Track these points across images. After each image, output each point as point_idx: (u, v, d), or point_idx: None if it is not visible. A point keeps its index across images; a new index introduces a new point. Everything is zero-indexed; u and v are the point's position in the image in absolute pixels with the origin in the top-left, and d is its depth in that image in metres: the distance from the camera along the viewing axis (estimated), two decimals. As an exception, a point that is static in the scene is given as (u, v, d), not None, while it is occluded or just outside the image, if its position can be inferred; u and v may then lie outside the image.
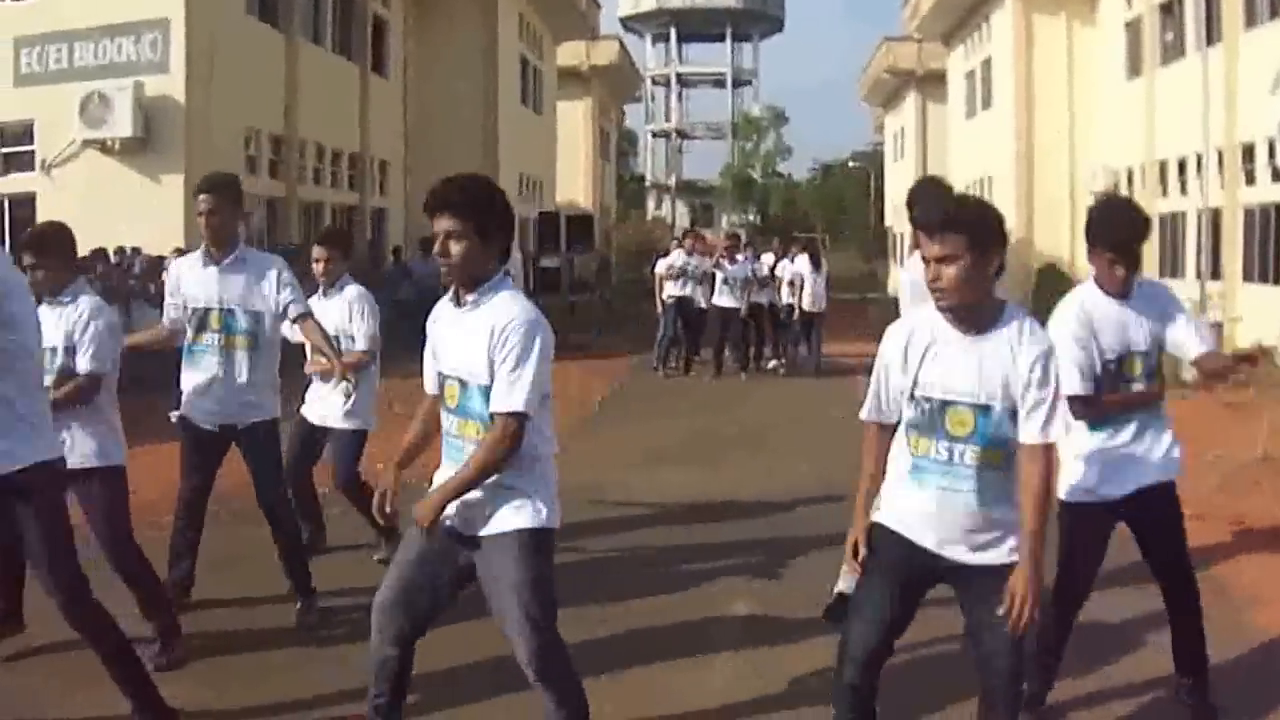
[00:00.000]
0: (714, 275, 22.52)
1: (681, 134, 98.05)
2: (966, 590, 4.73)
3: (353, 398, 8.50)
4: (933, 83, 51.10)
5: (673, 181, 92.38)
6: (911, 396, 4.70)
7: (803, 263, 23.18)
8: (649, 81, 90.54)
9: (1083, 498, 5.89)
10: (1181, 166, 27.61)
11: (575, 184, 52.47)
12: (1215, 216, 24.67)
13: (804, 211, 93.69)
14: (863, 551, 4.81)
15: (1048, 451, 4.52)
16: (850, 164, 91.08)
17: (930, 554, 4.69)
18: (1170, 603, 6.07)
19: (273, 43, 25.67)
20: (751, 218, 79.33)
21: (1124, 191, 31.15)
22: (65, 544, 5.53)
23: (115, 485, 6.65)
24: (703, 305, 22.69)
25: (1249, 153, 24.16)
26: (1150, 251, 29.10)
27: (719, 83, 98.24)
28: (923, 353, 4.67)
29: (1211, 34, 25.39)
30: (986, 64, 39.41)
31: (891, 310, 7.92)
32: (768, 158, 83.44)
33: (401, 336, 10.35)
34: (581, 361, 23.34)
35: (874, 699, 4.77)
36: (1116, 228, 5.91)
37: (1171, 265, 28.16)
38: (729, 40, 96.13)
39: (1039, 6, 34.61)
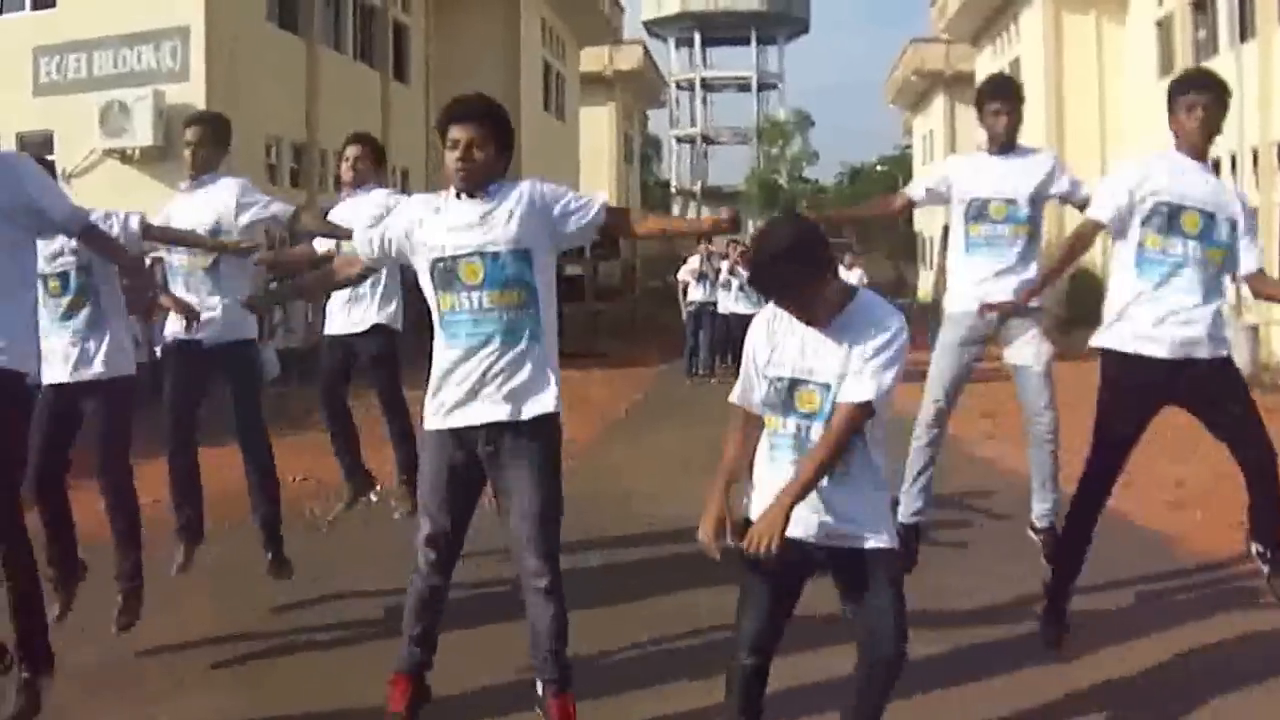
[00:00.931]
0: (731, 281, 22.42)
1: (706, 139, 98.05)
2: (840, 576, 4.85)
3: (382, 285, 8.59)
4: (961, 84, 50.83)
5: (698, 187, 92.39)
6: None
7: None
8: (673, 86, 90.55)
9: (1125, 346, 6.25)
10: (1215, 166, 27.09)
11: (599, 190, 51.98)
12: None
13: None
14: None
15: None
16: (878, 168, 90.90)
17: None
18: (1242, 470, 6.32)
19: (293, 50, 25.48)
20: (777, 224, 79.17)
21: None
22: None
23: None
24: (725, 311, 22.57)
25: (1285, 151, 23.87)
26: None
27: (744, 87, 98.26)
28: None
29: (1245, 31, 25.11)
30: (1015, 64, 39.14)
31: (921, 315, 7.93)
32: (794, 162, 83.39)
33: (419, 341, 10.21)
34: (608, 370, 23.22)
35: (765, 678, 5.00)
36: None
37: (1206, 266, 27.86)
38: (753, 43, 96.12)
39: (1068, 5, 34.40)
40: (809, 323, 4.64)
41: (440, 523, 5.46)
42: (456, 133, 5.38)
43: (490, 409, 5.34)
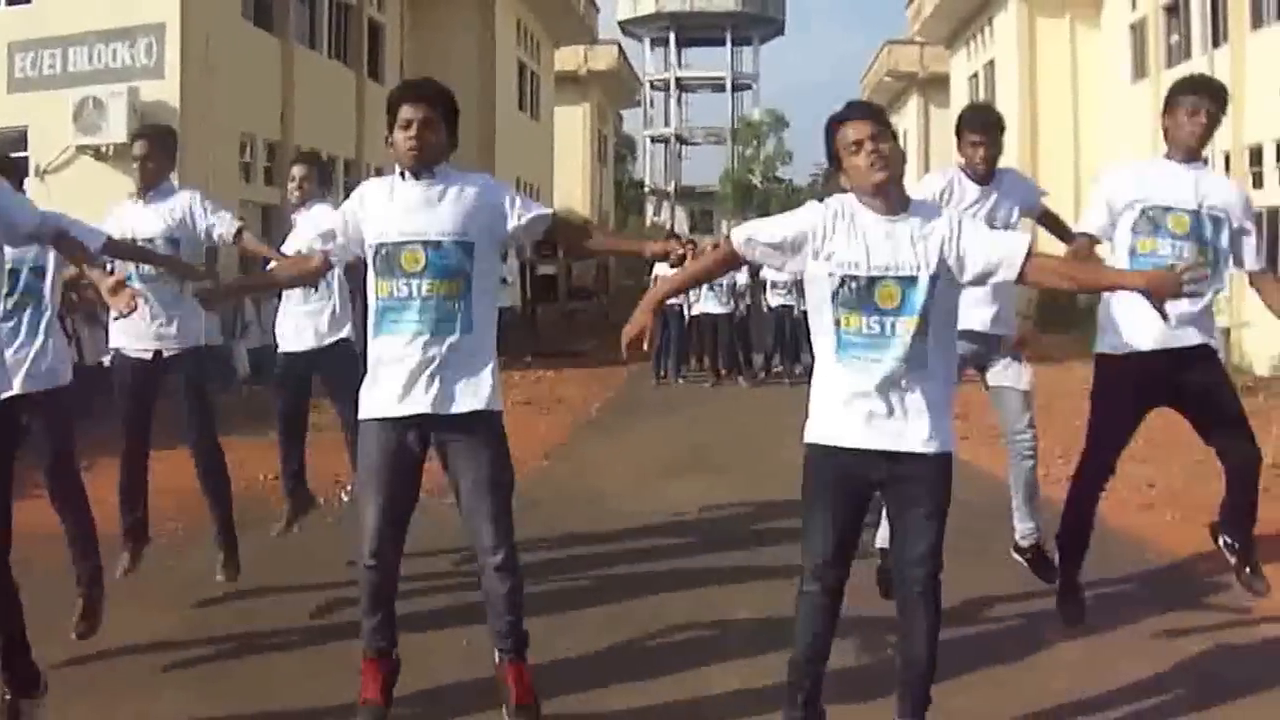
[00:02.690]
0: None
1: (681, 139, 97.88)
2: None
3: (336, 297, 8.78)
4: (935, 86, 51.07)
5: (672, 187, 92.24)
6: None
7: None
8: (648, 86, 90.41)
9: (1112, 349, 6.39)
10: (1192, 168, 27.40)
11: (573, 190, 52.39)
12: (1223, 219, 24.48)
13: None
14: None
15: None
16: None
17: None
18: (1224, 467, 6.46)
19: (268, 48, 25.38)
20: (751, 223, 79.30)
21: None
22: None
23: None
24: (693, 313, 22.63)
25: (1256, 155, 24.01)
26: (1157, 255, 29.04)
27: (718, 87, 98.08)
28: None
29: (1218, 35, 25.29)
30: (990, 66, 39.35)
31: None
32: (768, 162, 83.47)
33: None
34: (580, 370, 23.25)
35: (835, 614, 5.11)
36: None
37: (1178, 269, 27.99)
38: (729, 44, 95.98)
39: (1042, 8, 34.55)
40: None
41: (379, 513, 5.45)
42: (408, 112, 5.53)
43: (428, 400, 5.40)
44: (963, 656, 6.59)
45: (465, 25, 34.33)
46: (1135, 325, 6.19)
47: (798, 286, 22.69)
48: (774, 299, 22.78)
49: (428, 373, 5.38)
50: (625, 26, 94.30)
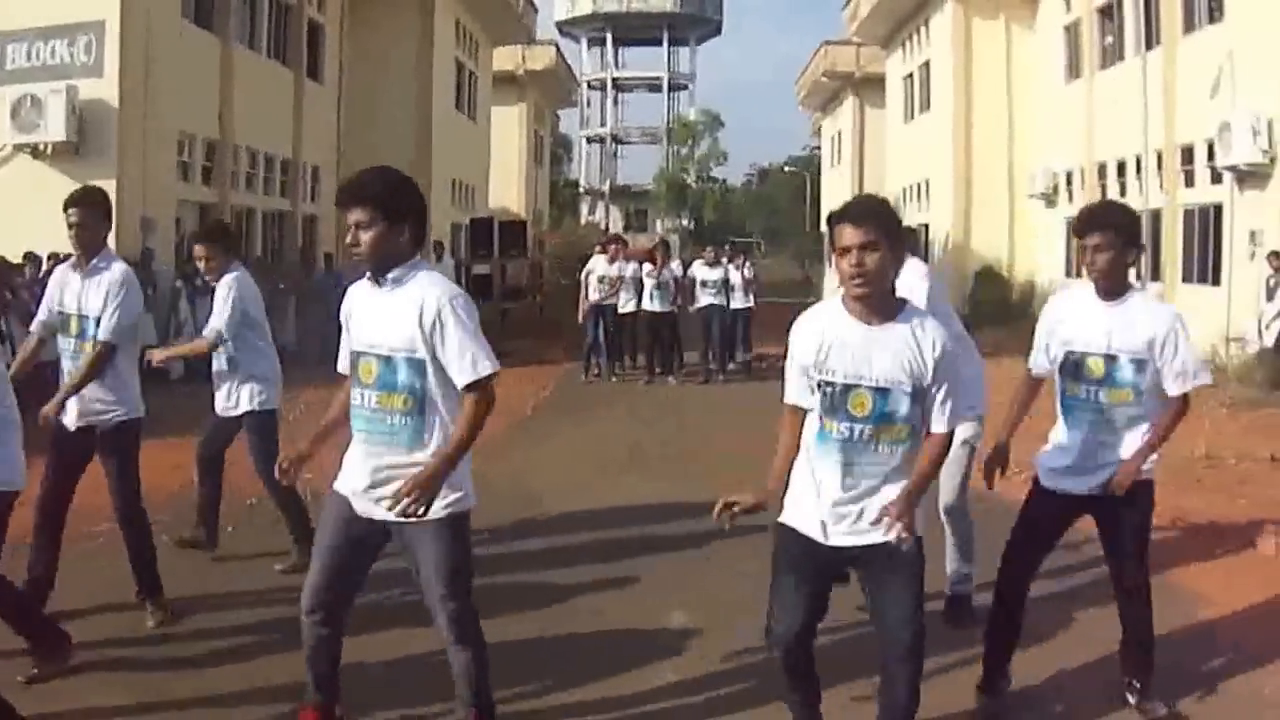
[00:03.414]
0: (642, 281, 22.55)
1: (616, 139, 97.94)
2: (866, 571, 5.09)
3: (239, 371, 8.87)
4: (871, 86, 51.33)
5: (607, 187, 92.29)
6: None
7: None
8: (584, 86, 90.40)
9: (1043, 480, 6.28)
10: (1121, 168, 27.81)
11: (509, 190, 52.30)
12: (1155, 218, 24.82)
13: (740, 217, 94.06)
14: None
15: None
16: (786, 169, 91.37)
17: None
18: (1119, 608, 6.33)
19: (208, 47, 25.23)
20: (686, 223, 79.52)
21: (1063, 193, 31.38)
22: None
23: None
24: (630, 310, 22.64)
25: (1188, 154, 24.35)
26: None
27: (654, 87, 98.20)
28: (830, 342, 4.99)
29: (1150, 38, 25.60)
30: (925, 67, 39.59)
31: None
32: (703, 162, 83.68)
33: (328, 342, 10.21)
34: (515, 369, 23.29)
35: (810, 665, 5.22)
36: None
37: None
38: (665, 44, 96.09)
39: (978, 10, 34.82)
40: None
41: (320, 571, 5.39)
42: (344, 216, 5.34)
43: (380, 509, 5.26)
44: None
45: (404, 25, 34.23)
46: (1060, 467, 6.18)
47: (725, 285, 22.88)
48: (704, 298, 22.78)
49: (382, 486, 5.24)
50: (562, 27, 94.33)
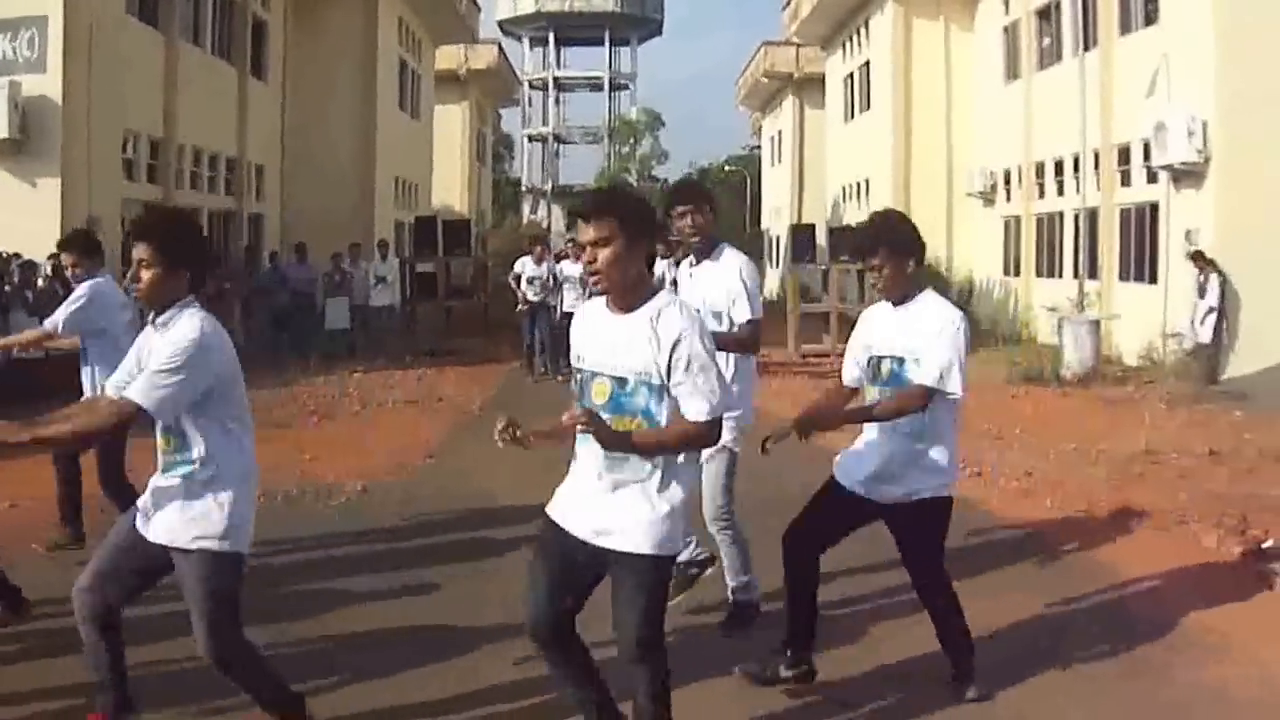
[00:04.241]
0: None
1: (558, 138, 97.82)
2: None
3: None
4: (811, 87, 51.59)
5: (549, 186, 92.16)
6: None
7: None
8: (526, 85, 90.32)
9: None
10: (1059, 168, 28.09)
11: (452, 188, 52.27)
12: (1092, 216, 25.06)
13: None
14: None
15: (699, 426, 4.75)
16: (726, 168, 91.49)
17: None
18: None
19: (152, 43, 25.19)
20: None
21: (1001, 192, 31.67)
22: None
23: None
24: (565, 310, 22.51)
25: (1124, 154, 24.64)
26: (1028, 251, 29.69)
27: (596, 87, 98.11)
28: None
29: (1088, 39, 25.83)
30: (865, 68, 39.81)
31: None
32: (644, 161, 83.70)
33: (274, 341, 10.22)
34: (461, 367, 23.32)
35: (572, 654, 5.09)
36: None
37: (1049, 265, 28.66)
38: (607, 44, 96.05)
39: (918, 11, 35.05)
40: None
41: (93, 579, 5.30)
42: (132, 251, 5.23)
43: (152, 528, 5.24)
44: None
45: (348, 24, 34.21)
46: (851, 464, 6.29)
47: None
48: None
49: (159, 506, 5.24)
50: (504, 26, 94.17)
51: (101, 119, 22.31)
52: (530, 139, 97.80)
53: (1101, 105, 24.84)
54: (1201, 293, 20.28)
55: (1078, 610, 7.67)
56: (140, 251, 5.12)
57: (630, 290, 4.83)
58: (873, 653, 6.84)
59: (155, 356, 5.02)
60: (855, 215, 39.43)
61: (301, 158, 32.95)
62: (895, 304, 6.17)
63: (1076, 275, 24.74)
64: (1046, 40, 29.60)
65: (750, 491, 7.78)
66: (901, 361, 6.09)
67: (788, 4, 47.56)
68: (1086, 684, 6.41)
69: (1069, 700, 6.22)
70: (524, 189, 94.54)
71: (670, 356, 4.69)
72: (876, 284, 6.18)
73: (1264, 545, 8.96)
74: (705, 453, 6.56)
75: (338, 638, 7.13)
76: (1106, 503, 10.89)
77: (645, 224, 4.88)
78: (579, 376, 4.98)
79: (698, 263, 7.44)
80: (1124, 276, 24.82)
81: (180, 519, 5.15)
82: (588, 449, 4.93)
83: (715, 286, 7.22)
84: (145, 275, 5.10)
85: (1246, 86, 19.99)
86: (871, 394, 6.23)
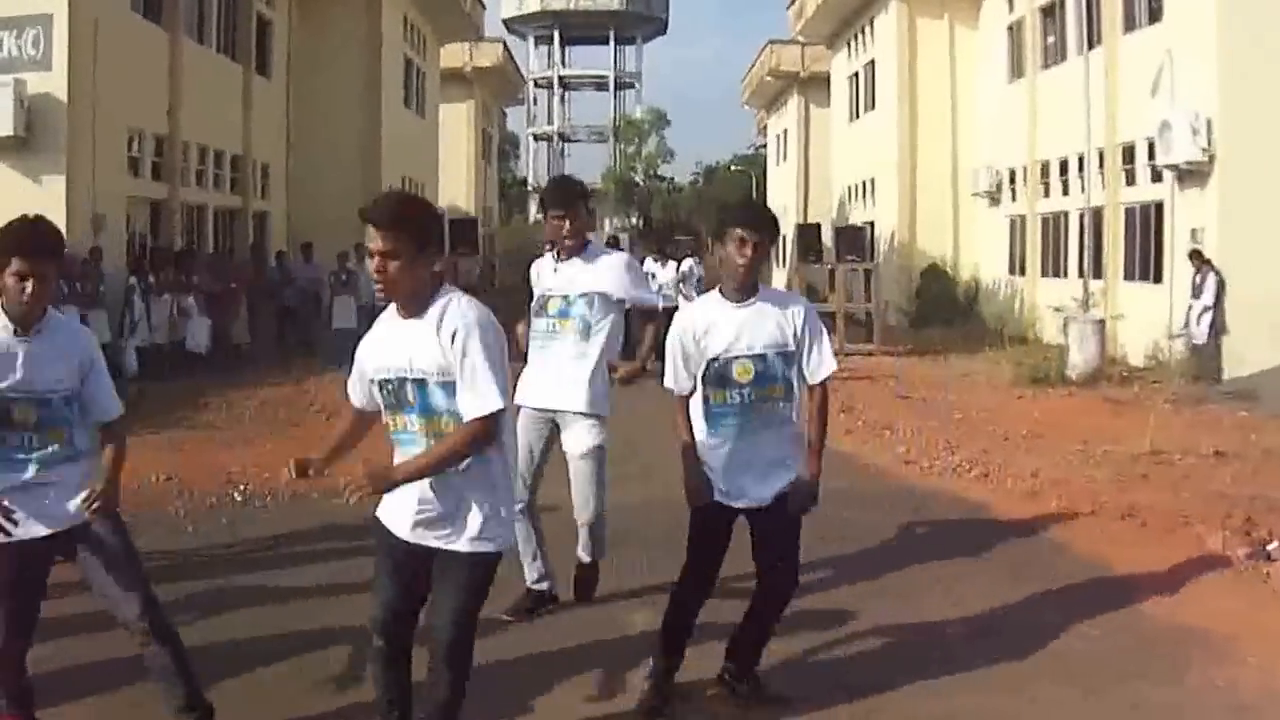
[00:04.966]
0: None
1: (564, 137, 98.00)
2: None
3: None
4: (816, 85, 51.50)
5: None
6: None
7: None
8: (531, 84, 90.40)
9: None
10: (1063, 167, 28.06)
11: (458, 187, 52.27)
12: (1097, 216, 25.05)
13: (686, 215, 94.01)
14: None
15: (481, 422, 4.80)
16: (732, 167, 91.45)
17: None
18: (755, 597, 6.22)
19: (157, 41, 25.19)
20: (633, 221, 79.45)
21: (1006, 192, 31.65)
22: None
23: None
24: None
25: (1129, 153, 24.60)
26: (1033, 250, 29.66)
27: (601, 85, 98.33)
28: None
29: (1092, 37, 25.80)
30: (870, 67, 39.76)
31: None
32: (649, 160, 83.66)
33: (285, 339, 10.25)
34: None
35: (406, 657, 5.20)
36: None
37: (1054, 264, 28.63)
38: (612, 42, 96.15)
39: (922, 10, 35.07)
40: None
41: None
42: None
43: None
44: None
45: (352, 21, 34.20)
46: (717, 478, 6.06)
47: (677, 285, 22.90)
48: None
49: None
50: (510, 24, 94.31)
51: (106, 116, 22.30)
52: (536, 138, 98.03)
53: (1106, 104, 24.81)
54: (1197, 292, 20.27)
55: (1082, 611, 7.60)
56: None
57: (415, 296, 4.90)
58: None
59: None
60: (861, 214, 39.48)
61: (307, 155, 32.93)
62: (738, 298, 6.03)
63: (1081, 275, 24.72)
64: (1051, 39, 29.57)
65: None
66: (762, 358, 6.02)
67: (792, 3, 47.54)
68: (1091, 686, 6.38)
69: (1073, 703, 6.20)
70: (530, 188, 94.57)
71: (456, 352, 4.77)
72: (745, 261, 5.90)
73: (1269, 546, 8.95)
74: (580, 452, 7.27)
75: (345, 631, 7.12)
76: (1111, 503, 10.86)
77: (433, 233, 5.05)
78: (388, 387, 4.96)
79: (567, 258, 7.59)
80: (1129, 276, 24.77)
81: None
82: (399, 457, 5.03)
83: (586, 277, 7.49)
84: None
85: (1251, 84, 19.94)
86: (724, 399, 6.04)
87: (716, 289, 6.09)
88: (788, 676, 6.43)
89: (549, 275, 7.68)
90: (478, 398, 4.75)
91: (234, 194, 29.67)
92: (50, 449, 5.34)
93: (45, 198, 20.46)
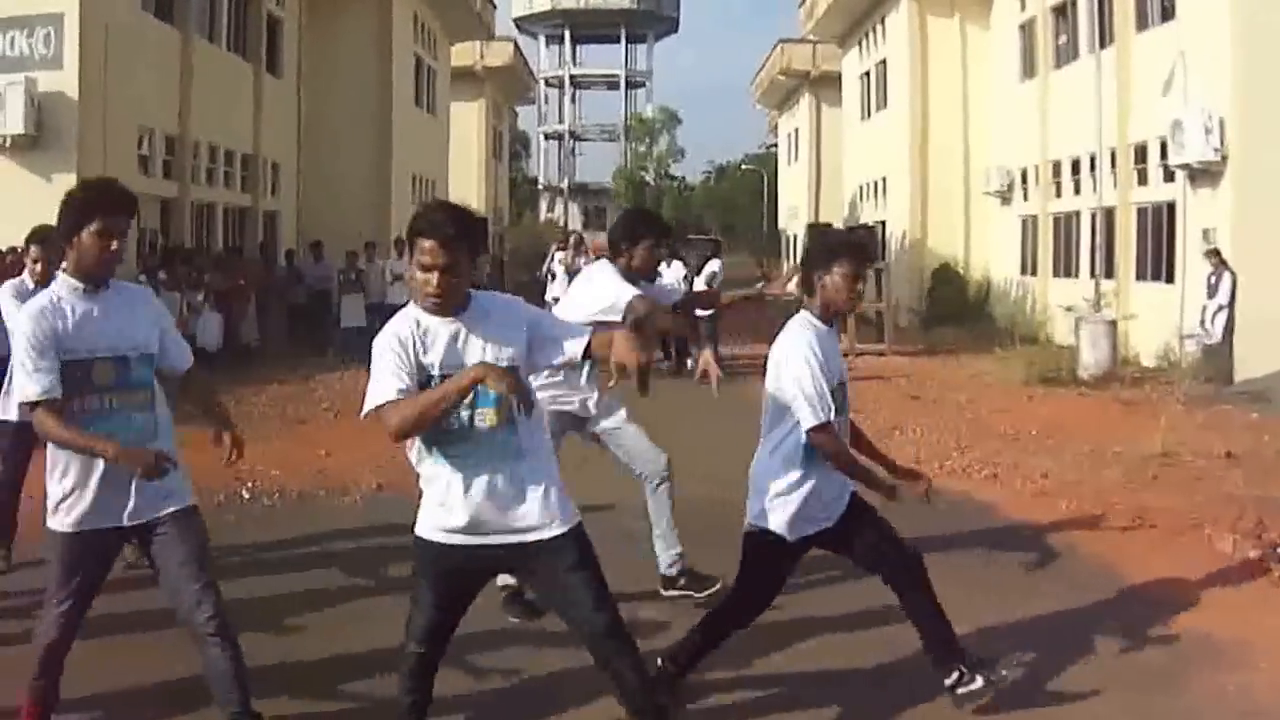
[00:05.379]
0: None
1: (575, 135, 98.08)
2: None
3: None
4: (827, 84, 51.53)
5: (566, 184, 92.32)
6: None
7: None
8: (542, 83, 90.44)
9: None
10: (1075, 166, 27.97)
11: (468, 185, 52.19)
12: (1109, 216, 24.96)
13: (698, 214, 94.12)
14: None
15: None
16: (743, 166, 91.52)
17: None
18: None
19: (168, 40, 25.18)
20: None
21: (1018, 191, 31.58)
22: None
23: None
24: None
25: (1141, 153, 24.50)
26: (1045, 250, 29.58)
27: (612, 84, 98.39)
28: None
29: (1104, 37, 25.71)
30: (881, 65, 39.70)
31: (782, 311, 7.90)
32: (661, 159, 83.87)
33: (290, 338, 10.22)
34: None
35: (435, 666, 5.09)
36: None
37: (1066, 264, 28.55)
38: (623, 41, 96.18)
39: (934, 9, 34.97)
40: None
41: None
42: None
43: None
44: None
45: (363, 20, 34.20)
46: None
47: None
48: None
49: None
50: (520, 23, 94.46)
51: (117, 115, 22.31)
52: (546, 137, 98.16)
53: (1118, 103, 24.71)
54: (1212, 292, 20.19)
55: (1092, 614, 7.58)
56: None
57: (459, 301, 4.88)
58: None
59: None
60: (873, 214, 39.43)
61: (317, 154, 32.94)
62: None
63: (1093, 275, 24.60)
64: (1063, 38, 29.46)
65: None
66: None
67: (803, 2, 47.47)
68: (1101, 689, 6.31)
69: (1082, 706, 6.15)
70: (540, 187, 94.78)
71: (526, 329, 4.89)
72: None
73: (1280, 549, 8.91)
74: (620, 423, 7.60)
75: (349, 631, 7.11)
76: (1122, 505, 10.80)
77: (482, 241, 4.94)
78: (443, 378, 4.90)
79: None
80: (1141, 276, 24.69)
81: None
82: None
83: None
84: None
85: (1264, 84, 19.85)
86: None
87: (806, 313, 6.03)
88: (788, 676, 6.43)
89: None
90: (573, 335, 4.92)
91: (244, 192, 29.69)
92: (131, 416, 5.29)
93: (55, 196, 20.28)
